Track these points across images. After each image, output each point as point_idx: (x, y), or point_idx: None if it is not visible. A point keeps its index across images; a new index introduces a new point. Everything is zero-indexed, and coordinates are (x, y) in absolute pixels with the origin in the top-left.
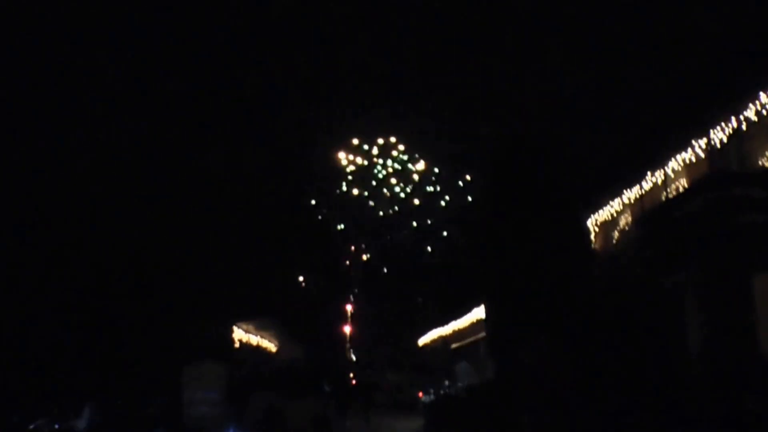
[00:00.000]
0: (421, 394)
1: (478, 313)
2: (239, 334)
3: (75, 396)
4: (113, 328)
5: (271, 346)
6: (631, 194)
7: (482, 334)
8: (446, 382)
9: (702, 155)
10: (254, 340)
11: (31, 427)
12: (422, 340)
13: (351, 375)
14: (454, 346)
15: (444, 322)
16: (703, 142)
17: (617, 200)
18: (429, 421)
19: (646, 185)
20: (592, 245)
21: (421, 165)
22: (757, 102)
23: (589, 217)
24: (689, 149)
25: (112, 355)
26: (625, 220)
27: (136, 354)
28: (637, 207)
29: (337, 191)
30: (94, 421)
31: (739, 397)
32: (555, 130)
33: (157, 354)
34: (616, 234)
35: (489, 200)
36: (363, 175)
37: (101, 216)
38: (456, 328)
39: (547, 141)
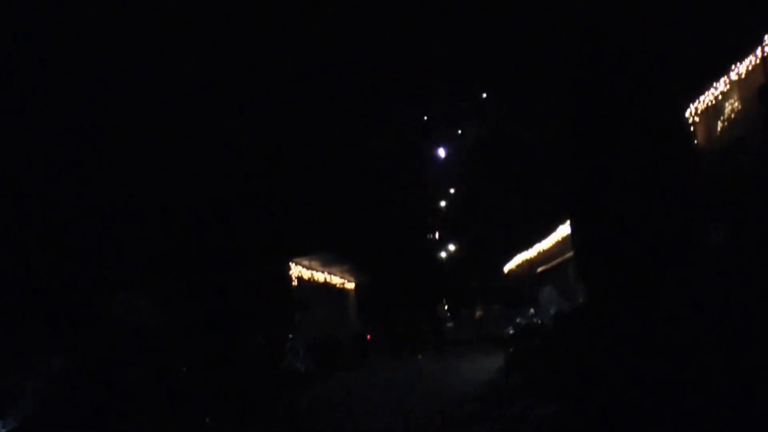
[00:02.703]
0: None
1: (564, 231)
2: (299, 271)
3: None
4: None
5: (343, 282)
6: (741, 68)
7: (569, 254)
8: (531, 311)
9: None
10: (320, 276)
11: None
12: (507, 267)
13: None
14: (540, 269)
15: (529, 244)
16: None
17: (723, 79)
18: (510, 357)
19: (761, 53)
20: (694, 141)
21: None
22: None
23: (687, 106)
24: None
25: None
26: (731, 106)
27: None
28: (751, 82)
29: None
30: None
31: None
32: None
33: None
34: (720, 124)
35: (569, 99)
36: None
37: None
38: (541, 250)
39: (631, 23)
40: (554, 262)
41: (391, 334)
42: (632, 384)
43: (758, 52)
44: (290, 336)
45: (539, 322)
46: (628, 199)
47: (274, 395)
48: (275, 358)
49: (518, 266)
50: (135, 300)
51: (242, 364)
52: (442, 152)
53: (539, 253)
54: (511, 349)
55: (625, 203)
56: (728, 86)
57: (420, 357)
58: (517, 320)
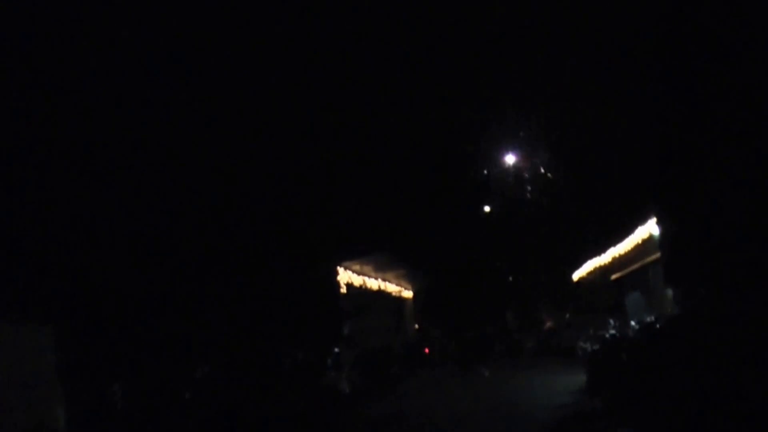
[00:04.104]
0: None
1: (644, 232)
2: (349, 277)
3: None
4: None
5: (399, 290)
6: None
7: (650, 258)
8: (611, 321)
9: None
10: (373, 283)
11: None
12: (576, 275)
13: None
14: (613, 276)
15: (601, 250)
16: None
17: None
18: (594, 375)
19: None
20: None
21: None
22: None
23: None
24: None
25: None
26: None
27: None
28: None
29: None
30: None
31: None
32: None
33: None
34: None
35: (660, 71)
36: None
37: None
38: (616, 255)
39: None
40: (632, 268)
41: (454, 345)
42: (740, 411)
43: None
44: (336, 350)
45: (621, 334)
46: (728, 193)
47: (309, 420)
48: (316, 375)
49: (589, 273)
50: None
51: (275, 384)
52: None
53: (614, 259)
54: (594, 366)
55: (725, 198)
56: None
57: (485, 372)
58: (591, 331)
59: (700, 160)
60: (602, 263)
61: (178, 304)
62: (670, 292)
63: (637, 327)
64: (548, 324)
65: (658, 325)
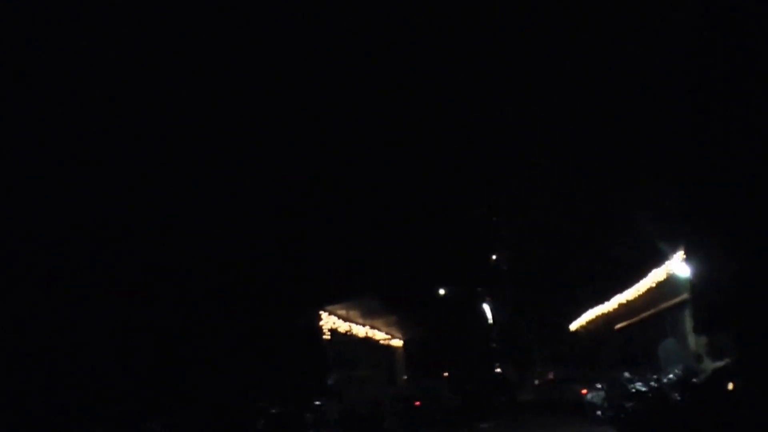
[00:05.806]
0: (584, 391)
1: (661, 274)
2: (333, 322)
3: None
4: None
5: (389, 338)
6: None
7: (666, 304)
8: (626, 374)
9: None
10: (360, 330)
11: None
12: (574, 324)
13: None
14: (618, 326)
15: (603, 298)
16: None
17: None
18: None
19: None
20: None
21: None
22: None
23: None
24: None
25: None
26: None
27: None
28: None
29: None
30: None
31: None
32: None
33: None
34: None
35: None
36: None
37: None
38: (624, 301)
39: None
40: (642, 315)
41: (449, 398)
42: None
43: None
44: (318, 404)
45: (647, 389)
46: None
47: None
48: None
49: (589, 323)
50: None
51: None
52: None
53: (620, 305)
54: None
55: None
56: None
57: (486, 427)
58: (599, 386)
59: (741, 187)
60: (606, 311)
61: (115, 345)
62: (693, 341)
63: (666, 381)
64: (549, 376)
65: (694, 380)
